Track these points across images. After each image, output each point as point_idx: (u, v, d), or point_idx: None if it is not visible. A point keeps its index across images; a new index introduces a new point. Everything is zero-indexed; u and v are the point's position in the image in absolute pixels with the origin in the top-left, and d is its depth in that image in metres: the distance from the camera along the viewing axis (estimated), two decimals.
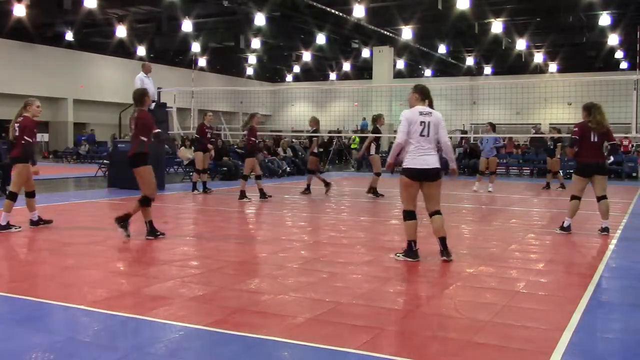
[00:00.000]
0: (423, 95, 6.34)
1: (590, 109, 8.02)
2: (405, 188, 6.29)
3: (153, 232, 7.35)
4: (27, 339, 3.88)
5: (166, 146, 13.63)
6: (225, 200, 12.81)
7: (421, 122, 6.15)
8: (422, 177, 6.19)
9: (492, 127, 14.99)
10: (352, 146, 27.91)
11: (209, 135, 13.82)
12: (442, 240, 6.29)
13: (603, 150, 8.19)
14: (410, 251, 6.28)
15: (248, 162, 12.19)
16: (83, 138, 30.39)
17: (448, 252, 6.28)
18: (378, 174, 12.89)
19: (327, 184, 13.51)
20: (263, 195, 12.16)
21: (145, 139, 7.26)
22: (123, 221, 7.25)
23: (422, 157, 6.14)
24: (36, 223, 8.18)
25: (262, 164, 19.60)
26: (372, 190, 12.95)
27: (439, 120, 6.26)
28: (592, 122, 7.93)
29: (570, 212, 8.19)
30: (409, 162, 6.19)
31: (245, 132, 12.73)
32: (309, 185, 13.60)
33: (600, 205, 8.15)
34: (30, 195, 8.13)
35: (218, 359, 3.62)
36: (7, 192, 8.08)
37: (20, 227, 7.95)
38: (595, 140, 7.99)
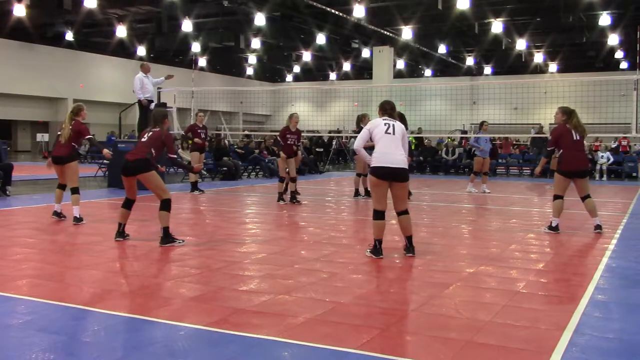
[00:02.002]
0: (384, 111, 6.69)
1: (571, 114, 8.16)
2: (374, 188, 6.41)
3: (168, 238, 7.04)
4: (27, 339, 3.88)
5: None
6: (225, 200, 12.82)
7: (385, 123, 6.45)
8: (391, 177, 6.27)
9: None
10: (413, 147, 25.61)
11: (202, 135, 13.81)
12: (409, 239, 6.56)
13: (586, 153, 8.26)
14: (375, 249, 6.42)
15: (280, 162, 11.96)
16: (113, 138, 30.18)
17: (413, 248, 6.55)
18: (359, 175, 12.69)
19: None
20: (281, 197, 11.87)
21: (154, 154, 7.14)
22: (168, 237, 7.02)
23: (391, 156, 6.27)
24: (79, 219, 8.63)
25: (262, 164, 19.63)
26: (365, 191, 12.65)
27: (404, 130, 6.59)
28: (570, 124, 8.06)
29: (556, 211, 8.22)
30: (377, 160, 6.30)
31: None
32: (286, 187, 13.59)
33: (586, 205, 8.21)
34: (75, 191, 8.72)
35: (218, 359, 3.62)
36: (72, 189, 8.71)
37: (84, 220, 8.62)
38: (577, 138, 8.08)
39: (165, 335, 4.02)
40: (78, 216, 8.58)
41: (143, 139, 7.28)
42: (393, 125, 6.45)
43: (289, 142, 11.87)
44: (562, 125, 8.14)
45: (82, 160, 27.89)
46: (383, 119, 6.53)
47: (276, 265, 6.06)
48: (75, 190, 8.66)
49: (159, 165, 7.24)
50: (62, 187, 8.90)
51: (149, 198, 7.55)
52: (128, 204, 7.30)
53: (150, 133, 7.26)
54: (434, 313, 4.54)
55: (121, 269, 6.00)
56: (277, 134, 15.19)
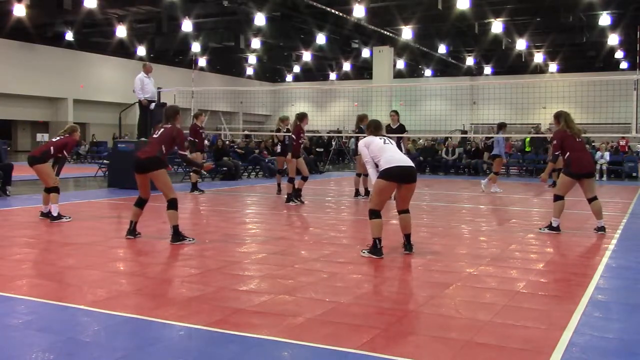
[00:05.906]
0: (374, 130, 6.85)
1: (559, 118, 8.21)
2: (381, 192, 6.41)
3: (179, 237, 7.09)
4: (27, 339, 3.88)
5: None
6: (225, 200, 12.82)
7: (380, 138, 6.63)
8: (402, 177, 6.33)
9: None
10: (527, 149, 22.76)
11: (203, 136, 13.83)
12: (408, 237, 6.65)
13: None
14: (376, 248, 6.41)
15: (291, 164, 11.56)
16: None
17: (411, 246, 6.64)
18: (359, 175, 12.61)
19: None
20: (294, 197, 11.66)
21: (165, 151, 7.14)
22: (178, 236, 7.07)
23: (399, 157, 6.44)
24: (56, 217, 8.72)
25: (262, 164, 19.62)
26: (365, 191, 12.58)
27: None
28: (570, 130, 8.08)
29: (558, 212, 8.21)
30: (387, 163, 6.32)
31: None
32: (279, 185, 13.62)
33: (593, 207, 8.19)
34: (49, 190, 8.87)
35: (218, 359, 3.62)
36: (52, 188, 8.77)
37: (70, 217, 8.82)
38: (579, 140, 8.13)
39: (166, 335, 4.02)
40: (55, 214, 8.68)
41: (155, 136, 7.30)
42: (387, 139, 6.68)
43: (300, 141, 11.77)
44: (561, 129, 8.15)
45: (82, 160, 27.91)
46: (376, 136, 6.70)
47: (276, 265, 6.06)
48: (49, 190, 8.76)
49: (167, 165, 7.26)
50: (46, 189, 8.89)
51: (150, 198, 7.54)
52: (140, 203, 7.33)
53: (162, 130, 7.27)
54: (434, 313, 4.54)
55: (121, 269, 6.00)
56: (276, 134, 15.16)
